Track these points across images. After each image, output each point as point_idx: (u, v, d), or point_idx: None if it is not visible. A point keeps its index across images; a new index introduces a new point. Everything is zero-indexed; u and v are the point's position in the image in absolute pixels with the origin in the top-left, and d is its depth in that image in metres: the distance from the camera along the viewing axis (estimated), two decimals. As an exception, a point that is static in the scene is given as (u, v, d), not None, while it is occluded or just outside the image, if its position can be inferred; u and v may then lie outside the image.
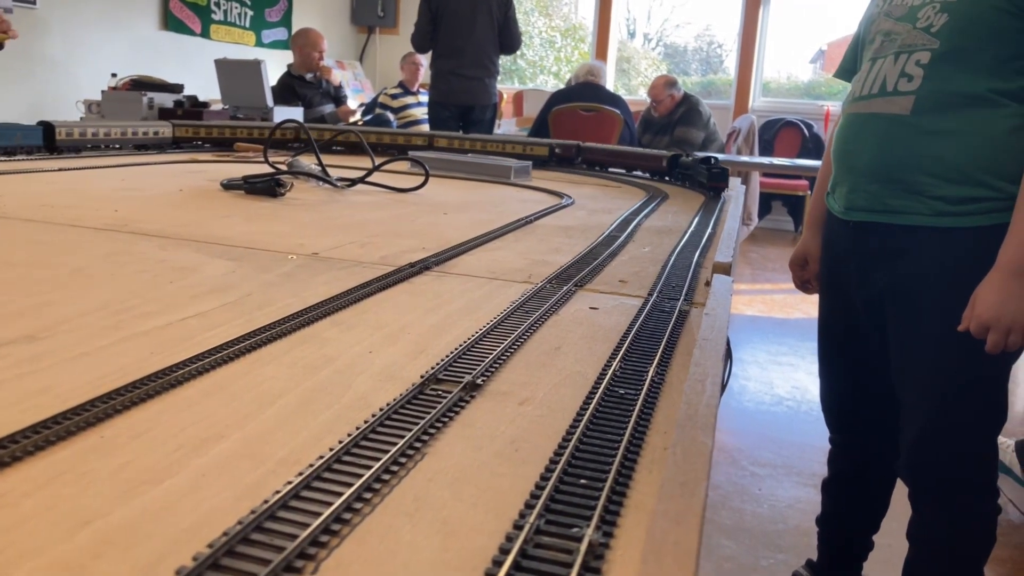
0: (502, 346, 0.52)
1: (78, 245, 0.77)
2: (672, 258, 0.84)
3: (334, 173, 1.36)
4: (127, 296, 0.60)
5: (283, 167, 1.38)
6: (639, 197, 1.45)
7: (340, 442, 0.36)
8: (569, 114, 5.30)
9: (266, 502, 0.31)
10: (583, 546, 0.29)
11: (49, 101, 4.70)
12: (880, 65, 0.95)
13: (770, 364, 3.50)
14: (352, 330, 0.55)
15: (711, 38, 8.90)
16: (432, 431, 0.39)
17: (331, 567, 0.28)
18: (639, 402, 0.43)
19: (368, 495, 0.32)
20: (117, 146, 1.64)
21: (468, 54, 4.86)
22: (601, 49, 8.17)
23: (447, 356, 0.49)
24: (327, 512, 0.30)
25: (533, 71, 9.24)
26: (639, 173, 1.89)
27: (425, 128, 5.65)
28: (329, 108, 5.37)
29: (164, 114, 3.91)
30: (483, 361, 0.49)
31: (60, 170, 1.36)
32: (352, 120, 5.78)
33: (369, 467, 0.34)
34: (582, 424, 0.40)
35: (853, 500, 1.28)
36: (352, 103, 5.92)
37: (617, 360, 0.50)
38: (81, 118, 4.48)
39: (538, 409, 0.43)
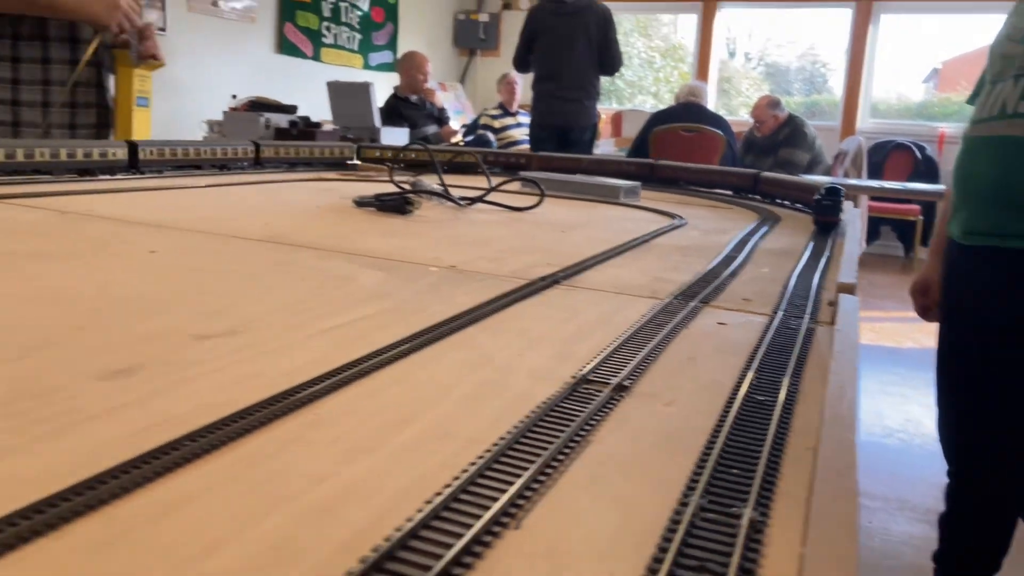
0: (640, 354, 0.56)
1: (246, 254, 0.87)
2: (792, 279, 0.87)
3: (451, 192, 1.44)
4: (300, 300, 0.68)
5: (406, 186, 1.47)
6: (751, 219, 1.47)
7: (515, 427, 0.42)
8: (670, 135, 5.30)
9: (464, 471, 0.36)
10: (744, 522, 0.33)
11: (175, 121, 5.05)
12: (1000, 88, 0.95)
13: (880, 394, 3.39)
14: (499, 335, 0.61)
15: (815, 57, 8.69)
16: (592, 423, 0.44)
17: (530, 524, 0.33)
18: (778, 408, 0.47)
19: (548, 471, 0.37)
20: (198, 166, 1.74)
21: (566, 76, 4.93)
22: (702, 69, 8.12)
23: (591, 361, 0.54)
24: (519, 482, 0.35)
25: (632, 91, 9.26)
26: (727, 193, 1.90)
27: (524, 149, 5.75)
28: (432, 129, 5.55)
29: (279, 134, 4.14)
30: (625, 366, 0.53)
31: (208, 187, 1.49)
32: (453, 140, 5.95)
33: (545, 448, 0.39)
34: (727, 423, 0.44)
35: (973, 538, 1.25)
36: (454, 124, 6.10)
37: (751, 371, 0.54)
38: (204, 136, 4.79)
39: (683, 410, 0.47)
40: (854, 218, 1.23)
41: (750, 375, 0.53)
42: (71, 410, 0.42)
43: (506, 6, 8.57)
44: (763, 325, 0.67)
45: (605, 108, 7.93)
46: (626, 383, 0.50)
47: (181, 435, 0.38)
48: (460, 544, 0.30)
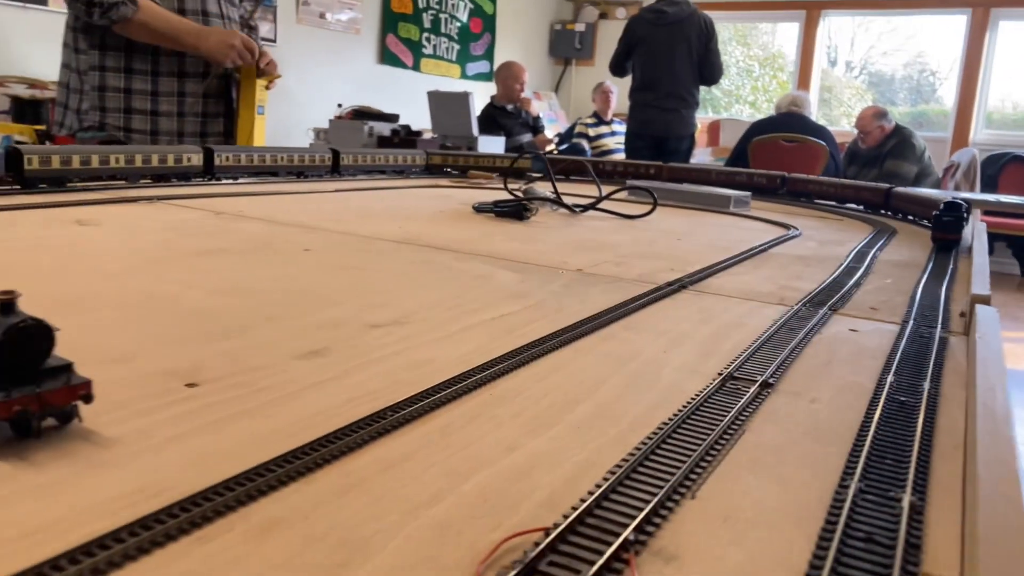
0: (780, 355, 0.59)
1: (390, 253, 0.93)
2: (919, 290, 0.87)
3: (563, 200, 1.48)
4: (450, 296, 0.74)
5: (519, 193, 1.52)
6: (866, 231, 1.46)
7: (675, 414, 0.45)
8: (770, 145, 5.21)
9: (638, 448, 0.40)
10: (904, 504, 0.36)
11: (283, 129, 5.29)
12: None
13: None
14: (641, 334, 0.65)
15: (923, 65, 8.34)
16: (744, 415, 0.47)
17: (704, 496, 0.37)
18: (923, 407, 0.49)
19: (714, 452, 0.41)
20: (273, 172, 1.74)
21: (665, 85, 4.91)
22: (804, 78, 7.93)
23: (735, 359, 0.57)
24: (689, 460, 0.39)
25: (728, 100, 9.11)
26: (852, 205, 1.87)
27: (618, 158, 5.75)
28: (527, 137, 5.62)
29: (382, 141, 4.28)
30: (768, 366, 0.56)
31: (336, 191, 1.59)
32: (548, 149, 6.01)
33: (707, 433, 0.43)
34: (874, 420, 0.46)
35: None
36: (548, 132, 6.16)
37: (891, 374, 0.56)
38: (311, 144, 5.00)
39: (828, 407, 0.50)
40: (980, 231, 1.20)
41: (890, 378, 0.55)
42: (283, 383, 0.48)
43: (603, 16, 8.59)
44: (894, 333, 0.68)
45: (701, 117, 7.83)
46: (771, 381, 0.53)
47: (383, 407, 0.44)
48: (648, 507, 0.34)
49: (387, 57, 6.80)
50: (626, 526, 0.33)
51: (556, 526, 0.32)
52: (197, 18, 1.97)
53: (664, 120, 4.97)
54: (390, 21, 6.80)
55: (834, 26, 8.20)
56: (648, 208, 1.46)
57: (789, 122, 5.28)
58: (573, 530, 0.32)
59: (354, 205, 1.40)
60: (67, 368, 0.39)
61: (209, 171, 1.58)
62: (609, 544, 0.31)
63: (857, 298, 0.84)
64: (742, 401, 0.49)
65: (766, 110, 7.68)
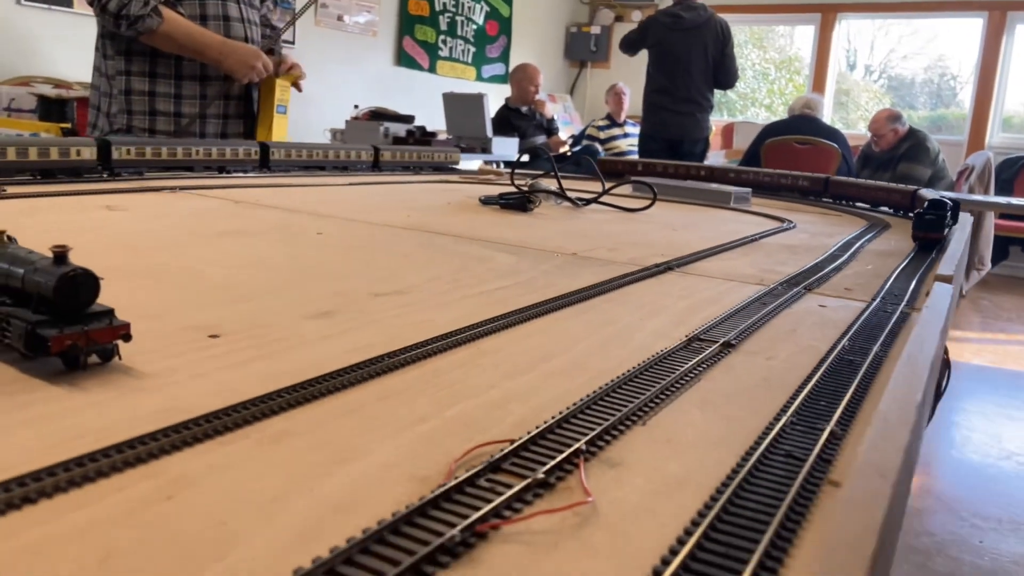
0: (747, 322, 0.65)
1: (397, 238, 1.00)
2: (895, 274, 0.92)
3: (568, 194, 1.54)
4: (449, 273, 0.80)
5: (525, 188, 1.58)
6: (859, 225, 1.51)
7: (637, 365, 0.51)
8: (783, 147, 5.24)
9: (600, 388, 0.46)
10: (824, 436, 0.41)
11: (301, 129, 5.38)
12: None
13: (999, 417, 3.27)
14: (622, 306, 0.71)
15: (943, 69, 8.31)
16: (702, 367, 0.53)
17: (653, 424, 0.42)
18: (865, 365, 0.54)
19: (667, 393, 0.47)
20: (321, 167, 1.86)
21: (680, 89, 4.96)
22: (819, 81, 7.94)
23: (703, 326, 0.63)
24: (644, 397, 0.45)
25: (744, 103, 9.13)
26: (861, 204, 1.91)
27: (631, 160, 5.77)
28: (541, 139, 5.68)
29: (397, 142, 4.36)
30: (733, 331, 0.62)
31: (350, 185, 1.66)
32: (561, 150, 6.06)
33: (664, 378, 0.49)
34: (818, 374, 0.52)
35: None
36: (562, 135, 6.21)
37: (845, 339, 0.61)
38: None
39: (782, 364, 0.56)
40: (965, 223, 1.25)
41: (844, 342, 0.60)
42: (292, 336, 0.54)
43: (618, 19, 8.65)
44: (860, 308, 0.74)
45: (716, 120, 7.86)
46: (733, 342, 0.59)
47: (381, 353, 0.50)
48: (600, 428, 0.40)
49: (403, 59, 6.88)
50: (584, 436, 0.39)
51: (520, 439, 0.38)
52: (219, 23, 2.05)
53: (679, 123, 5.02)
54: (407, 23, 6.89)
55: (853, 29, 8.20)
56: (648, 202, 1.52)
57: (802, 125, 5.31)
58: (534, 442, 0.38)
59: (364, 197, 1.46)
60: (109, 313, 0.45)
61: (265, 164, 1.68)
62: (563, 451, 0.37)
63: (834, 280, 0.89)
64: (702, 356, 0.54)
65: (782, 113, 7.70)
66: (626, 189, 1.88)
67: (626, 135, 6.49)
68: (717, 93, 5.23)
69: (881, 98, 8.57)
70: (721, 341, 0.58)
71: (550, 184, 1.61)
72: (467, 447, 0.37)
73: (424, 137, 4.48)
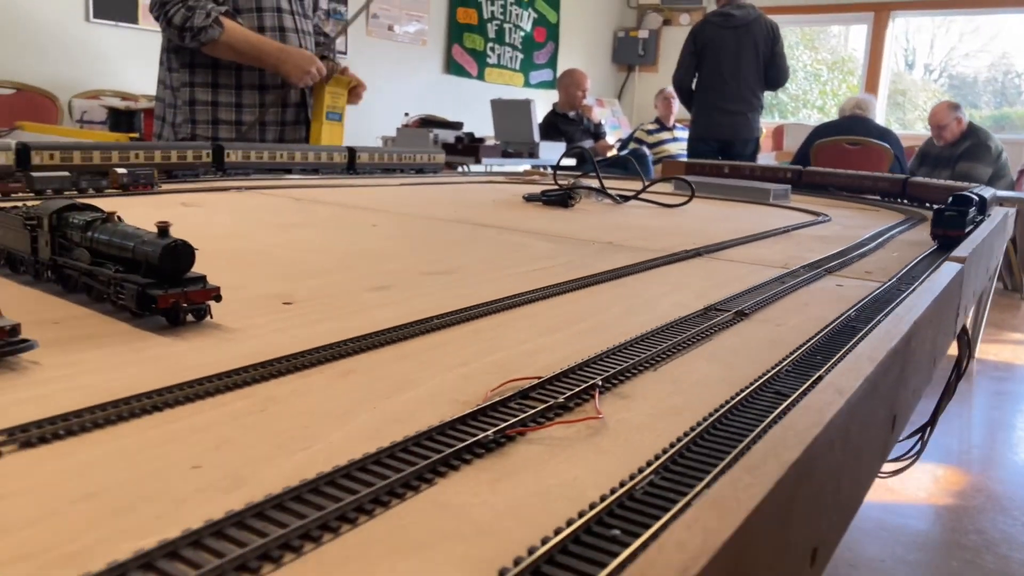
0: (763, 296, 0.71)
1: (444, 229, 1.08)
2: (918, 259, 0.97)
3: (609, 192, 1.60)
4: (493, 256, 0.87)
5: (567, 186, 1.65)
6: (896, 218, 1.54)
7: (655, 328, 0.58)
8: (833, 148, 5.19)
9: (620, 344, 0.53)
10: (811, 380, 0.47)
11: (354, 137, 5.53)
12: None
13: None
14: (648, 283, 0.77)
15: (1007, 67, 8.09)
16: (715, 330, 0.59)
17: (663, 370, 0.49)
18: (866, 330, 0.60)
19: (678, 349, 0.53)
20: (400, 170, 1.97)
21: (732, 89, 4.96)
22: (871, 82, 7.82)
23: (723, 299, 0.69)
24: (655, 350, 0.52)
25: (795, 105, 9.04)
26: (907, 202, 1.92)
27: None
28: (588, 143, 5.73)
29: (447, 148, 4.46)
30: (748, 302, 0.68)
31: (400, 185, 1.75)
32: (609, 154, 6.10)
33: (678, 335, 0.55)
34: (820, 335, 0.58)
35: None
36: (610, 139, 6.25)
37: (853, 310, 0.67)
38: (381, 151, 5.18)
39: (789, 330, 0.62)
40: (999, 217, 1.27)
41: (851, 312, 0.66)
42: (354, 303, 0.62)
43: (666, 22, 8.65)
44: (875, 287, 0.79)
45: (768, 122, 7.80)
46: (747, 311, 0.65)
47: (432, 315, 0.58)
48: (617, 369, 0.47)
49: (452, 67, 7.01)
50: (601, 375, 0.46)
51: (545, 376, 0.45)
52: (275, 34, 2.17)
53: (730, 124, 5.02)
54: (455, 32, 7.01)
55: (912, 27, 8.04)
56: (686, 198, 1.57)
57: (852, 125, 5.26)
58: (557, 378, 0.45)
59: (414, 195, 1.55)
60: (202, 278, 0.54)
61: (352, 167, 1.83)
62: (581, 386, 0.44)
63: (856, 265, 0.94)
64: (715, 321, 0.61)
65: (834, 115, 7.61)
66: (668, 187, 1.93)
67: (675, 139, 6.50)
68: (768, 96, 5.22)
69: (940, 97, 8.38)
70: (735, 310, 0.65)
71: (591, 183, 1.67)
72: (501, 382, 0.45)
73: (472, 143, 4.57)
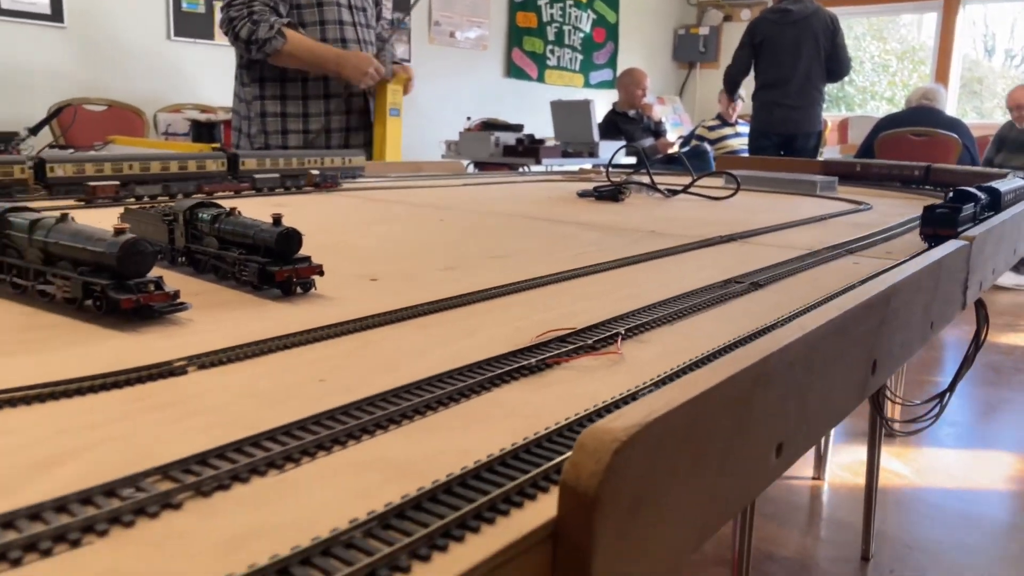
0: (781, 271, 0.81)
1: (503, 222, 1.20)
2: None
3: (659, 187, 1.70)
4: (544, 244, 0.99)
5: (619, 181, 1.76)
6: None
7: (679, 295, 0.69)
8: (898, 139, 5.13)
9: (647, 305, 0.64)
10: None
11: (417, 141, 5.72)
12: None
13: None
14: (682, 264, 0.88)
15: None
16: (729, 297, 0.70)
17: (682, 325, 0.60)
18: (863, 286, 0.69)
19: (697, 309, 0.64)
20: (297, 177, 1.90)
21: (793, 83, 4.97)
22: (942, 71, 7.64)
23: (744, 274, 0.80)
24: (673, 310, 0.63)
25: (863, 97, 8.88)
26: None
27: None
28: (648, 142, 5.78)
29: (507, 151, 4.58)
30: (765, 276, 0.78)
31: (463, 185, 1.88)
32: (670, 151, 6.13)
33: (696, 300, 0.66)
34: (819, 299, 0.68)
35: None
36: (671, 136, 6.29)
37: (859, 282, 0.76)
38: (443, 155, 5.38)
39: (797, 299, 0.72)
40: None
41: (857, 283, 0.76)
42: (428, 280, 0.75)
43: (727, 18, 8.62)
44: (889, 265, 0.88)
45: (834, 115, 7.71)
46: (762, 283, 0.75)
47: (489, 288, 0.70)
48: (638, 323, 0.58)
49: (513, 71, 7.15)
50: (620, 328, 0.57)
51: (579, 328, 0.57)
52: (338, 45, 2.33)
53: (792, 118, 5.02)
54: (515, 36, 7.15)
55: (992, 13, 7.81)
56: (732, 191, 1.66)
57: (919, 116, 5.18)
58: (590, 328, 0.57)
59: (476, 194, 1.68)
60: (308, 258, 0.67)
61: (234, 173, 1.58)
62: (607, 333, 0.55)
63: (881, 246, 1.03)
64: (731, 290, 0.71)
65: (903, 106, 7.46)
66: (719, 181, 2.02)
67: (737, 134, 6.49)
68: (834, 88, 5.20)
69: (1020, 83, 8.10)
70: (751, 282, 0.75)
71: (642, 178, 1.77)
72: (546, 330, 0.57)
73: (532, 144, 4.68)
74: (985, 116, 7.75)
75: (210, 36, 4.85)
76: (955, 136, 4.98)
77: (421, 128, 5.94)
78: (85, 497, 0.30)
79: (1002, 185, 1.14)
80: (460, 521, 0.29)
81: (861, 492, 2.22)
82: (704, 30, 8.75)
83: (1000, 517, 2.34)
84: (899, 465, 2.65)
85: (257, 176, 1.42)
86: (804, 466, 2.63)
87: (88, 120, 4.02)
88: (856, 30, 8.46)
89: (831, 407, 0.52)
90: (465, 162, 4.49)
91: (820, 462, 2.58)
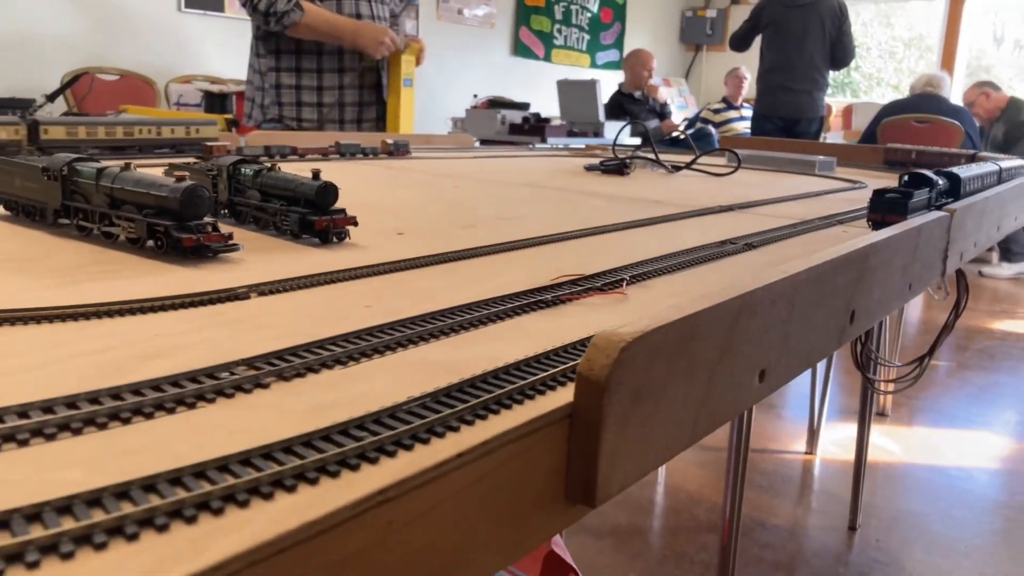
0: (774, 235, 0.88)
1: (514, 190, 1.27)
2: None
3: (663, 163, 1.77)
4: (554, 209, 1.06)
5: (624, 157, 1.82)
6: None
7: (677, 251, 0.76)
8: (901, 126, 5.18)
9: (652, 256, 0.71)
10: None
11: (424, 118, 5.76)
12: None
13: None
14: (683, 228, 0.95)
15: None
16: (724, 256, 0.77)
17: (679, 276, 0.67)
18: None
19: (692, 264, 0.71)
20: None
21: (797, 68, 5.01)
22: (948, 58, 7.66)
23: (739, 236, 0.87)
24: (670, 263, 0.70)
25: (868, 84, 8.89)
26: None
27: (746, 141, 5.83)
28: (654, 123, 5.82)
29: (513, 129, 4.63)
30: (758, 239, 0.85)
31: (473, 158, 1.95)
32: (674, 134, 6.17)
33: (690, 256, 0.73)
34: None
35: None
36: (676, 118, 6.33)
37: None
38: (449, 132, 5.42)
39: (780, 256, 0.79)
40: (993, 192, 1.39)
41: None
42: (449, 236, 0.82)
43: (734, 1, 8.62)
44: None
45: (839, 100, 7.74)
46: (755, 244, 0.82)
47: (506, 241, 0.77)
48: (639, 272, 0.65)
49: (520, 49, 7.17)
50: (625, 275, 0.64)
51: (588, 274, 0.64)
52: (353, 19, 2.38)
53: (794, 102, 5.07)
54: (523, 14, 7.16)
55: (1001, 1, 7.80)
56: (733, 168, 1.72)
57: (923, 103, 5.22)
58: (599, 274, 0.64)
59: (485, 166, 1.75)
60: (343, 210, 0.74)
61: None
62: (613, 279, 0.62)
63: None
64: (728, 249, 0.78)
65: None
66: (722, 159, 2.08)
67: (742, 118, 6.53)
68: (840, 74, 5.25)
69: (1024, 73, 8.11)
70: (745, 243, 0.82)
71: (647, 154, 1.84)
72: (559, 275, 0.64)
73: (538, 123, 4.73)
74: (988, 105, 7.74)
75: (220, 8, 4.88)
76: (957, 123, 5.02)
77: (428, 105, 5.98)
78: (192, 377, 0.37)
79: (964, 171, 1.08)
80: (496, 400, 0.36)
81: (851, 467, 2.30)
82: (711, 13, 8.75)
83: (986, 494, 2.42)
84: (889, 443, 2.73)
85: (342, 143, 1.62)
86: (797, 441, 2.71)
87: (101, 89, 4.07)
88: (864, 16, 8.46)
89: (811, 345, 0.59)
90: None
91: (812, 437, 2.66)
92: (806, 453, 2.65)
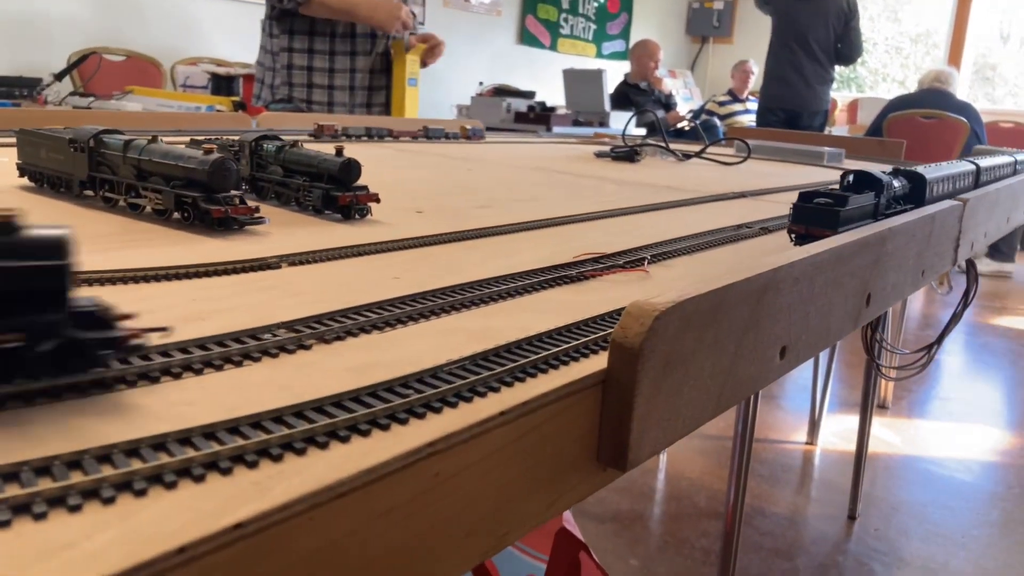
0: (770, 216, 0.88)
1: (527, 174, 1.28)
2: (936, 204, 1.12)
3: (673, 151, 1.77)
4: (566, 192, 1.07)
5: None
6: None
7: (694, 234, 0.77)
8: (907, 121, 5.17)
9: (664, 239, 0.72)
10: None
11: (429, 105, 5.75)
12: None
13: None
14: (696, 212, 0.96)
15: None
16: (741, 239, 0.78)
17: (699, 256, 0.68)
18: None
19: (710, 246, 0.72)
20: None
21: (801, 61, 5.01)
22: (955, 54, 7.64)
23: (754, 221, 0.87)
24: (686, 246, 0.71)
25: (874, 79, 8.86)
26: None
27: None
28: (659, 114, 5.81)
29: (519, 117, 4.62)
30: (773, 223, 0.86)
31: (486, 143, 1.95)
32: (679, 125, 6.17)
33: (707, 238, 0.74)
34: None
35: None
36: (681, 110, 6.32)
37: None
38: (455, 119, 5.40)
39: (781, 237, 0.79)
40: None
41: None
42: (468, 215, 0.83)
43: (742, -7, 8.58)
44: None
45: (843, 95, 7.72)
46: (770, 228, 0.83)
47: (524, 221, 0.78)
48: (659, 251, 0.66)
49: (526, 38, 7.15)
50: (647, 254, 0.65)
51: (610, 253, 0.65)
52: None
53: (798, 95, 5.06)
54: (530, 3, 7.13)
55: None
56: (743, 157, 1.73)
57: (930, 99, 5.21)
58: (620, 253, 0.65)
59: (498, 150, 1.75)
60: (366, 187, 0.75)
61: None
62: (634, 257, 0.63)
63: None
64: (744, 232, 0.79)
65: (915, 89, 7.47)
66: (730, 149, 2.08)
67: (747, 111, 6.52)
68: (847, 69, 5.25)
69: (1034, 70, 8.08)
70: (760, 227, 0.83)
71: (657, 142, 1.84)
72: (580, 253, 0.64)
73: (544, 112, 4.72)
74: (996, 103, 7.75)
75: (226, -10, 4.87)
76: (963, 120, 5.02)
77: (433, 92, 5.96)
78: (235, 337, 0.38)
79: (930, 171, 0.90)
80: (532, 364, 0.37)
81: (851, 457, 2.32)
82: (718, 4, 8.72)
83: (984, 486, 2.44)
84: (890, 435, 2.75)
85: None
86: (798, 432, 2.73)
87: (108, 69, 4.07)
88: (871, 10, 8.42)
89: (829, 326, 0.60)
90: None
91: (814, 428, 2.68)
92: (807, 443, 2.66)
